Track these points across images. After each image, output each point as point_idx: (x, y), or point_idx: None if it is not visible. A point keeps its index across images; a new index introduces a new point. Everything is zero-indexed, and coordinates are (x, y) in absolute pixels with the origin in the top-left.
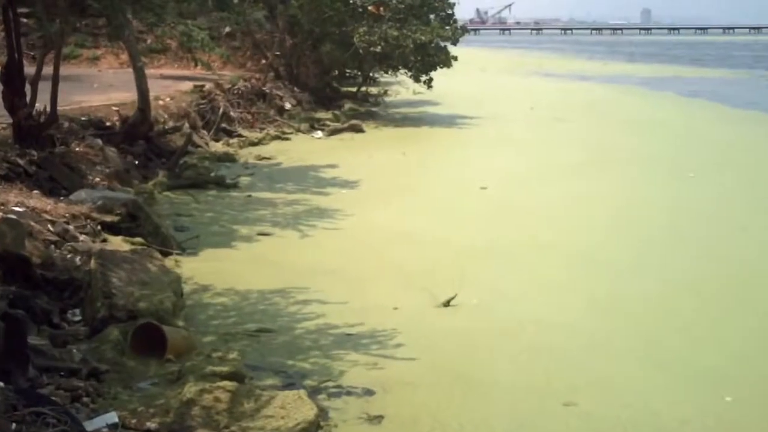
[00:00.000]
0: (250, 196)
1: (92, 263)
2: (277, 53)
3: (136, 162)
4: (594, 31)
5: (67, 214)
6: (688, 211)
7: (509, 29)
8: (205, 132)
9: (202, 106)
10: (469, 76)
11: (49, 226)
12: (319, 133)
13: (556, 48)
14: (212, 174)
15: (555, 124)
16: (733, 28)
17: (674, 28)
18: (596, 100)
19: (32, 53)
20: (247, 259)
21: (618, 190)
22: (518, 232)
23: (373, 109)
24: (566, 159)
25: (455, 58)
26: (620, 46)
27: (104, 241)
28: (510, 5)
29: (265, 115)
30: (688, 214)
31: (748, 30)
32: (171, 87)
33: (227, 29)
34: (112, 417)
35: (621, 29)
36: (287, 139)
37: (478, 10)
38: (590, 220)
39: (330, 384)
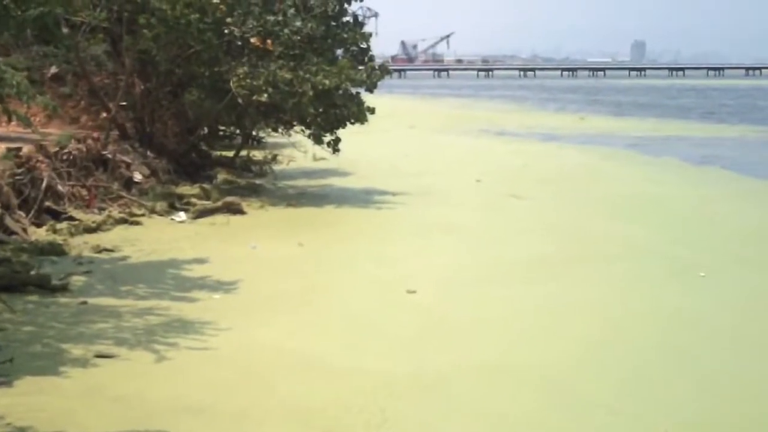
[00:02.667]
0: (85, 302)
1: None
2: (123, 103)
3: None
4: (566, 73)
5: None
6: (696, 325)
7: (447, 69)
8: (22, 213)
9: (18, 178)
10: (390, 136)
11: None
12: (182, 215)
13: (513, 96)
14: (32, 272)
15: (511, 204)
16: (759, 68)
17: (677, 68)
18: (569, 170)
19: None
20: (82, 392)
21: (599, 296)
22: (459, 353)
23: (258, 181)
24: (526, 252)
25: (372, 111)
26: (603, 92)
27: None
28: (448, 37)
29: (106, 189)
30: (697, 330)
31: None
32: None
33: (53, 69)
34: None
35: (603, 69)
36: (137, 223)
37: (403, 44)
38: (560, 337)
39: None
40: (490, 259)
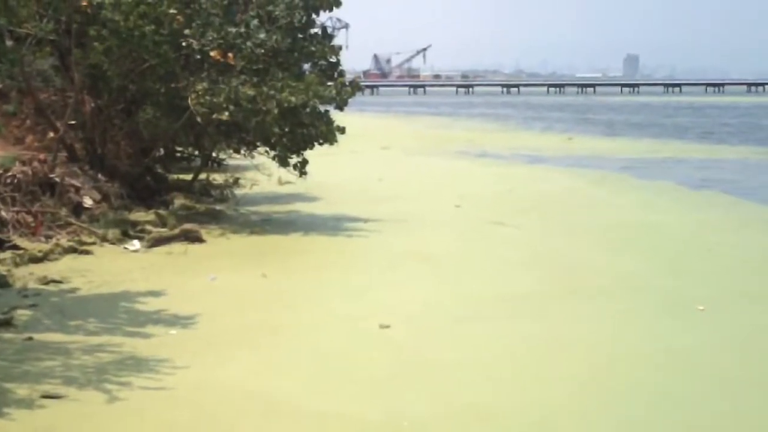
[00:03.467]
0: (30, 338)
1: None
2: (72, 122)
3: None
4: (553, 89)
5: None
6: (695, 365)
7: (423, 85)
8: None
9: None
10: (362, 158)
11: None
12: (136, 244)
13: (495, 114)
14: None
15: (493, 231)
16: (762, 84)
17: (674, 84)
18: (556, 195)
19: None
20: None
21: (590, 333)
22: (436, 396)
23: (218, 207)
24: (510, 285)
25: (342, 130)
26: (593, 110)
27: None
28: (425, 50)
29: (53, 215)
30: (696, 371)
31: None
32: None
33: None
34: None
35: (593, 86)
36: (87, 252)
37: (376, 57)
38: (547, 379)
39: None
40: (471, 291)
